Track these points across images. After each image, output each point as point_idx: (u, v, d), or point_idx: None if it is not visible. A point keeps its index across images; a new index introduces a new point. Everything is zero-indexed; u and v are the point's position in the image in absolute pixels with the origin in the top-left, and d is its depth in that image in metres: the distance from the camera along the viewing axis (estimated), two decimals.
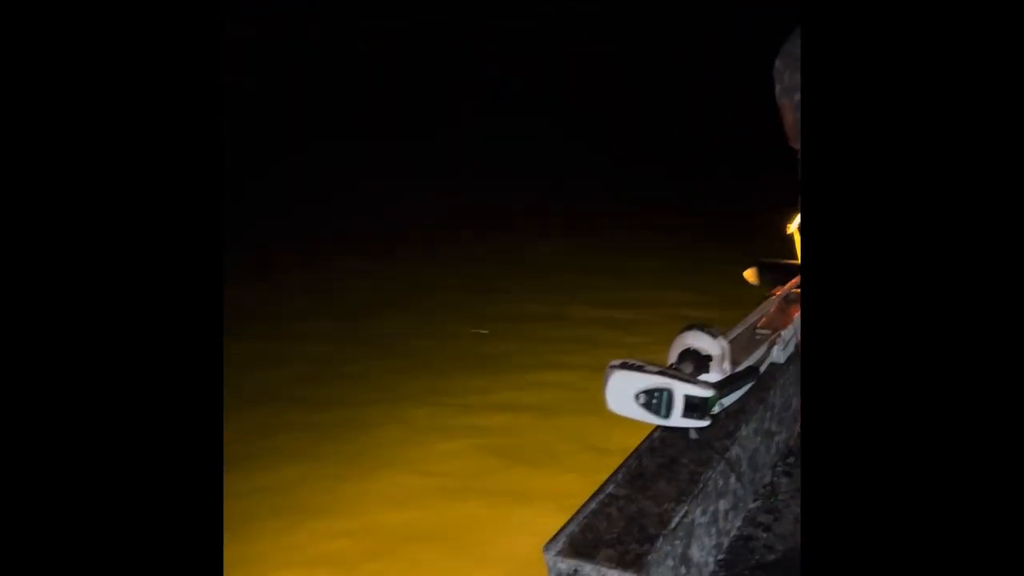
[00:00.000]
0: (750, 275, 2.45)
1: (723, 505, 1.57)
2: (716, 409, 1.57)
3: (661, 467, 1.52)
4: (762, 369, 1.79)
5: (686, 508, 1.39)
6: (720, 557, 1.56)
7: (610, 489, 1.46)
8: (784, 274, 2.26)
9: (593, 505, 1.41)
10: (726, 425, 1.64)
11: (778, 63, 1.79)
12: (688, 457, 1.54)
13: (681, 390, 1.47)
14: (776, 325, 1.95)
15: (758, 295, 2.23)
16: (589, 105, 11.23)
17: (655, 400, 1.47)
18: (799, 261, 2.17)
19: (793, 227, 2.03)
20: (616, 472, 1.51)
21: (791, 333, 1.96)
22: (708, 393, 1.48)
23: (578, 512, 1.39)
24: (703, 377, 1.57)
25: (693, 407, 1.47)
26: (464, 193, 7.31)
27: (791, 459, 1.88)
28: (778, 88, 1.79)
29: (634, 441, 1.64)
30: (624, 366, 1.51)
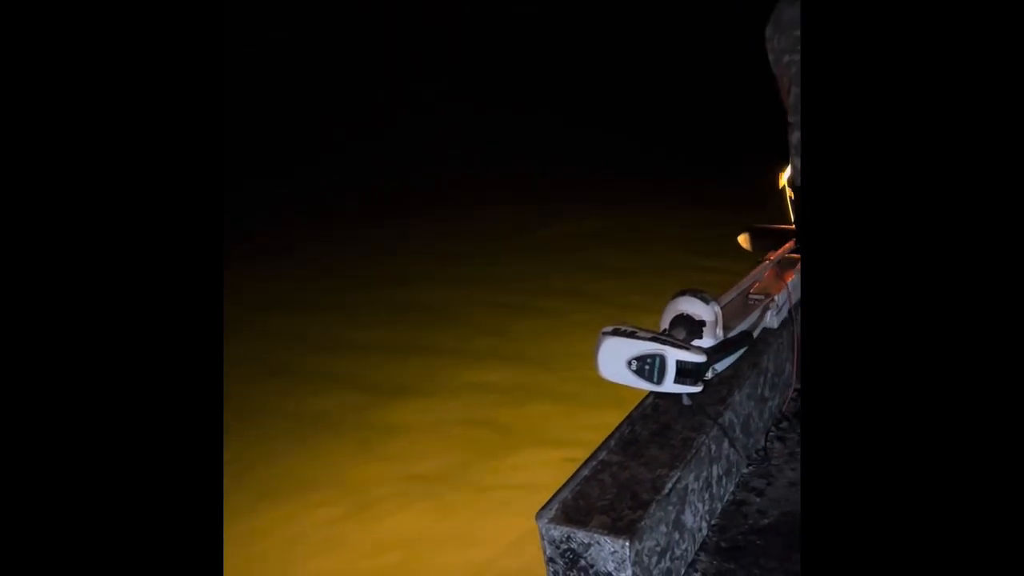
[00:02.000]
0: (743, 240, 2.42)
1: (716, 470, 1.56)
2: (709, 375, 1.56)
3: (654, 433, 1.51)
4: (756, 334, 1.78)
5: (679, 474, 1.38)
6: (714, 522, 1.55)
7: (603, 456, 1.45)
8: (777, 239, 2.23)
9: (585, 472, 1.40)
10: (719, 390, 1.63)
11: (768, 29, 1.86)
12: (681, 423, 1.53)
13: (673, 356, 1.45)
14: (770, 290, 1.93)
15: None
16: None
17: (647, 366, 1.45)
18: (792, 225, 2.15)
19: (784, 180, 2.00)
20: (608, 439, 1.50)
21: (784, 298, 1.94)
22: (701, 359, 1.47)
23: (571, 479, 1.38)
24: (696, 343, 1.56)
25: (686, 373, 1.46)
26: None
27: (784, 424, 1.88)
28: (771, 54, 1.87)
29: None
30: (616, 332, 1.49)
